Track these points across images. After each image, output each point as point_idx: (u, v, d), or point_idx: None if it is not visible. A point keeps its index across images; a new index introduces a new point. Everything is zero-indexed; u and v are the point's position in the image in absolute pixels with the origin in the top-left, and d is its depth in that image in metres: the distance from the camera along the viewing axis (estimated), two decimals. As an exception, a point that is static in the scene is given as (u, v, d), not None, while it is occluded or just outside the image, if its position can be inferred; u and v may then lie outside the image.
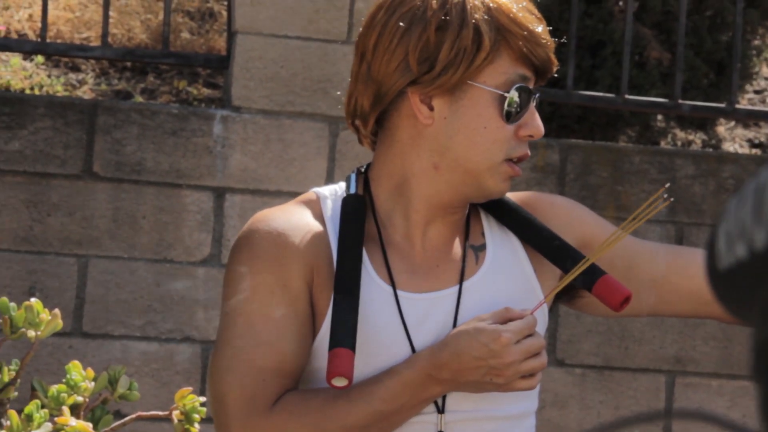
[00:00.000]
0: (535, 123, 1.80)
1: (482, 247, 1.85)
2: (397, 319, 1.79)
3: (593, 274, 1.79)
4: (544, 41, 1.80)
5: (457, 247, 1.84)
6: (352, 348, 1.74)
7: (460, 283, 1.82)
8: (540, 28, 1.80)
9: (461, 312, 1.80)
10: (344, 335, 1.74)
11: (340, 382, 1.73)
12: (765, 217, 0.69)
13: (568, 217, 1.88)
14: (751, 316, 0.72)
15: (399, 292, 1.80)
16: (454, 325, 1.80)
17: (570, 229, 1.87)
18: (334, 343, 1.74)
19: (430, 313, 1.81)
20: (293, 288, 1.79)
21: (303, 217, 1.82)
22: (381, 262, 1.81)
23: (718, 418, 0.76)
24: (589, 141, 3.98)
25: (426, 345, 1.79)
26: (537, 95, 1.81)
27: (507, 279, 1.84)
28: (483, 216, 1.88)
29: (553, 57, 1.82)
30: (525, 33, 1.78)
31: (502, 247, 1.86)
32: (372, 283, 1.80)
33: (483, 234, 1.86)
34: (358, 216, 1.81)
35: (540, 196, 1.93)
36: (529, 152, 1.82)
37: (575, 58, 4.05)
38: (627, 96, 3.92)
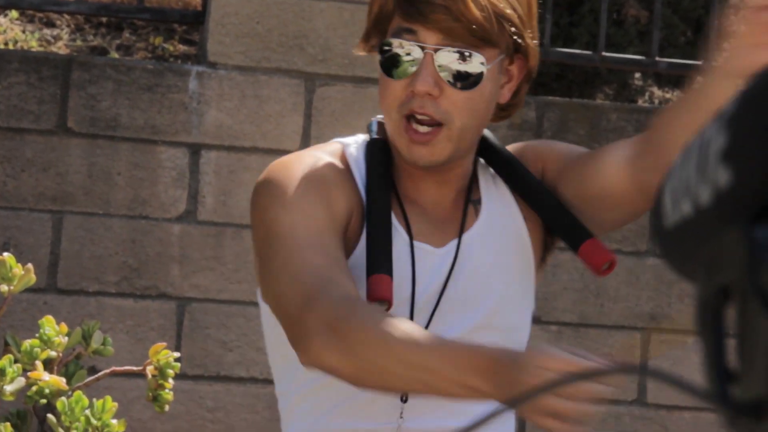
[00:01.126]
0: (417, 78, 1.76)
1: (479, 201, 1.87)
2: (409, 267, 1.81)
3: (580, 235, 1.80)
4: None
5: (457, 202, 1.86)
6: (390, 274, 1.74)
7: (459, 236, 1.83)
8: None
9: (457, 266, 1.82)
10: (383, 261, 1.75)
11: (385, 305, 1.73)
12: (709, 174, 0.70)
13: (539, 155, 1.89)
14: (695, 273, 0.73)
15: (415, 243, 1.82)
16: (448, 278, 1.80)
17: (540, 166, 1.88)
18: (373, 269, 1.74)
19: (431, 266, 1.83)
20: (336, 209, 1.79)
21: (332, 158, 1.83)
22: (399, 211, 1.83)
23: (660, 373, 0.76)
24: (566, 98, 3.98)
25: (422, 298, 1.80)
26: (422, 49, 1.76)
27: (501, 233, 1.85)
28: (481, 169, 1.89)
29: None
30: None
31: (498, 201, 1.87)
32: (394, 230, 1.82)
33: (480, 188, 1.88)
34: (385, 158, 1.82)
35: (522, 145, 1.95)
36: (422, 107, 1.76)
37: (552, 16, 4.04)
38: (604, 53, 3.92)
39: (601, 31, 3.91)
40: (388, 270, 1.74)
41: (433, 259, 1.83)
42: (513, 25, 1.79)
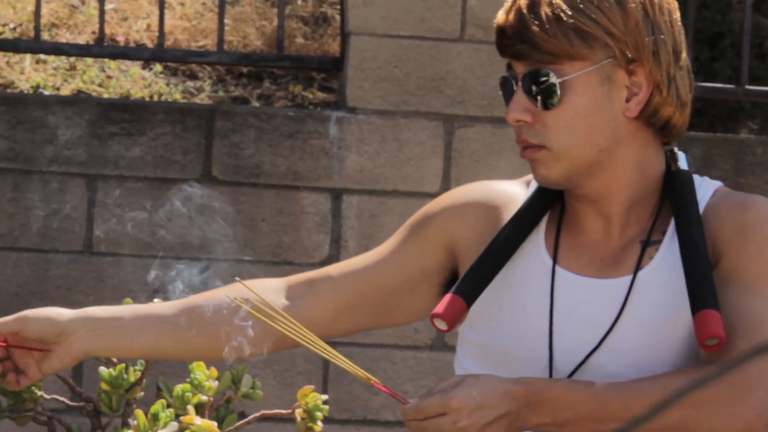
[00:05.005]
0: (507, 109, 1.82)
1: (658, 242, 1.82)
2: (547, 292, 1.81)
3: (704, 302, 1.74)
4: (501, 20, 1.81)
5: (626, 240, 1.83)
6: (466, 299, 1.80)
7: (635, 273, 1.80)
8: (501, 13, 1.81)
9: (630, 303, 1.79)
10: (464, 285, 1.81)
11: (440, 324, 1.80)
12: None
13: (727, 242, 1.79)
14: None
15: (558, 269, 1.82)
16: (619, 315, 1.78)
17: (715, 252, 1.80)
18: (454, 289, 1.82)
19: (583, 297, 1.81)
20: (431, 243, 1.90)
21: (512, 184, 1.91)
22: (551, 239, 1.85)
23: None
24: (710, 133, 3.92)
25: (568, 326, 1.80)
26: (515, 81, 1.80)
27: (674, 281, 1.80)
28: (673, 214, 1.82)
29: (504, 23, 1.80)
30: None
31: (676, 253, 1.81)
32: (537, 255, 1.84)
33: (664, 232, 1.82)
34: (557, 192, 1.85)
35: (730, 208, 1.82)
36: (520, 136, 1.81)
37: (693, 51, 3.99)
38: (748, 87, 3.85)
39: (743, 64, 3.85)
40: (464, 293, 1.80)
41: (586, 290, 1.82)
42: (587, 34, 1.77)
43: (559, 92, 1.78)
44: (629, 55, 1.78)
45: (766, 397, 1.70)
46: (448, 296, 1.80)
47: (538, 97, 1.78)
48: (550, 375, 1.81)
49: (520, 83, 1.80)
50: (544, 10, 1.77)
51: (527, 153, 1.81)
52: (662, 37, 1.80)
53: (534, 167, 1.81)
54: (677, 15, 1.84)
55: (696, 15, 4.11)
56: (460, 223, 1.88)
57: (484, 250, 1.83)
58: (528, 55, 1.78)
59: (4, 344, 1.84)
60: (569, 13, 1.77)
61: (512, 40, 1.79)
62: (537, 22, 1.77)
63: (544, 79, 1.78)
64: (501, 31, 1.80)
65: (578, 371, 1.80)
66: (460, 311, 1.80)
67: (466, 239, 1.88)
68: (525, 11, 1.78)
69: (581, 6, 1.77)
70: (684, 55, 1.84)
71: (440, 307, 1.79)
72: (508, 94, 1.82)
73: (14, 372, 1.87)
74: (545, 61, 1.78)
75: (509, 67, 1.82)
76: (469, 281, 1.81)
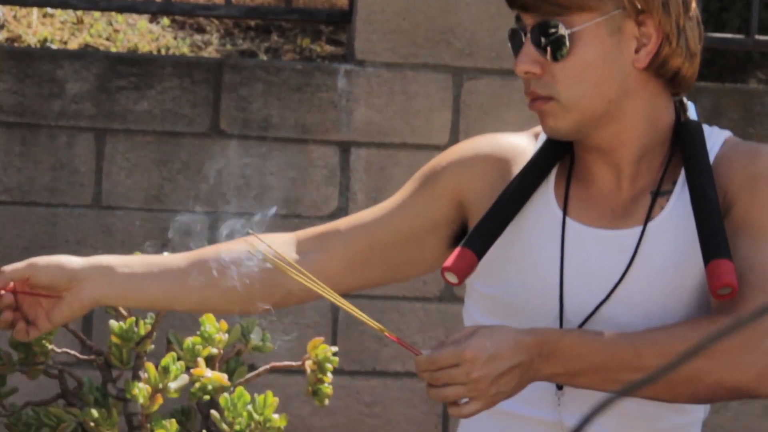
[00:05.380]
0: (516, 61, 1.81)
1: (669, 192, 1.82)
2: (557, 244, 1.81)
3: (716, 251, 1.74)
4: None
5: (636, 190, 1.83)
6: (476, 252, 1.80)
7: (645, 224, 1.80)
8: None
9: (640, 254, 1.79)
10: (474, 238, 1.81)
11: (450, 277, 1.80)
12: None
13: (738, 191, 1.80)
14: None
15: (568, 220, 1.82)
16: (629, 266, 1.79)
17: (728, 198, 1.80)
18: (464, 242, 1.82)
19: (593, 248, 1.81)
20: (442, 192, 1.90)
21: (520, 137, 1.91)
22: (561, 190, 1.86)
23: None
24: (719, 84, 3.90)
25: (579, 277, 1.80)
26: (524, 33, 1.80)
27: (685, 231, 1.80)
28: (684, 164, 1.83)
29: None
30: None
31: (686, 203, 1.81)
32: (547, 207, 1.84)
33: (674, 182, 1.82)
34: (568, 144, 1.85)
35: (740, 157, 1.82)
36: (529, 88, 1.81)
37: (702, 1, 3.97)
38: (757, 37, 3.84)
39: (753, 14, 3.83)
40: (474, 246, 1.80)
41: (596, 241, 1.82)
42: None
43: (568, 44, 1.78)
44: (638, 6, 1.78)
45: None
46: (458, 249, 1.81)
47: (547, 49, 1.79)
48: (561, 326, 1.82)
49: (528, 35, 1.80)
50: None
51: (536, 105, 1.81)
52: None
53: (543, 119, 1.82)
54: None
55: (705, -35, 4.09)
56: (469, 176, 1.89)
57: (494, 203, 1.83)
58: (537, 7, 1.78)
59: (13, 290, 1.84)
60: None
61: None
62: None
63: (552, 30, 1.78)
64: None
65: (589, 322, 1.81)
66: (471, 264, 1.80)
67: (475, 192, 1.88)
68: None
69: None
70: (693, 5, 1.83)
71: (450, 261, 1.80)
72: (516, 46, 1.82)
73: (24, 322, 1.87)
74: (554, 12, 1.78)
75: (518, 19, 1.82)
76: (479, 234, 1.81)
